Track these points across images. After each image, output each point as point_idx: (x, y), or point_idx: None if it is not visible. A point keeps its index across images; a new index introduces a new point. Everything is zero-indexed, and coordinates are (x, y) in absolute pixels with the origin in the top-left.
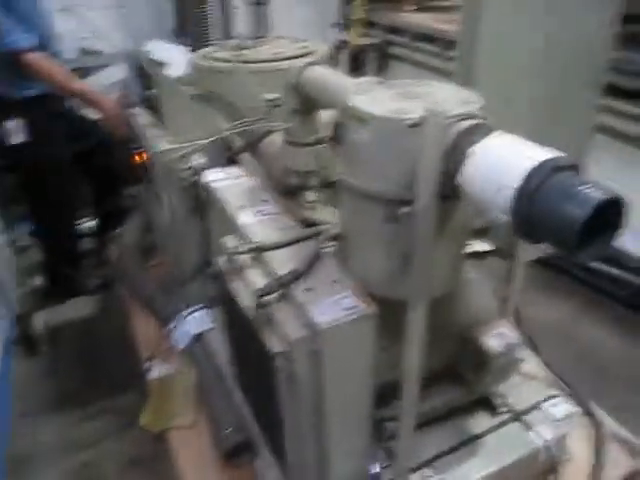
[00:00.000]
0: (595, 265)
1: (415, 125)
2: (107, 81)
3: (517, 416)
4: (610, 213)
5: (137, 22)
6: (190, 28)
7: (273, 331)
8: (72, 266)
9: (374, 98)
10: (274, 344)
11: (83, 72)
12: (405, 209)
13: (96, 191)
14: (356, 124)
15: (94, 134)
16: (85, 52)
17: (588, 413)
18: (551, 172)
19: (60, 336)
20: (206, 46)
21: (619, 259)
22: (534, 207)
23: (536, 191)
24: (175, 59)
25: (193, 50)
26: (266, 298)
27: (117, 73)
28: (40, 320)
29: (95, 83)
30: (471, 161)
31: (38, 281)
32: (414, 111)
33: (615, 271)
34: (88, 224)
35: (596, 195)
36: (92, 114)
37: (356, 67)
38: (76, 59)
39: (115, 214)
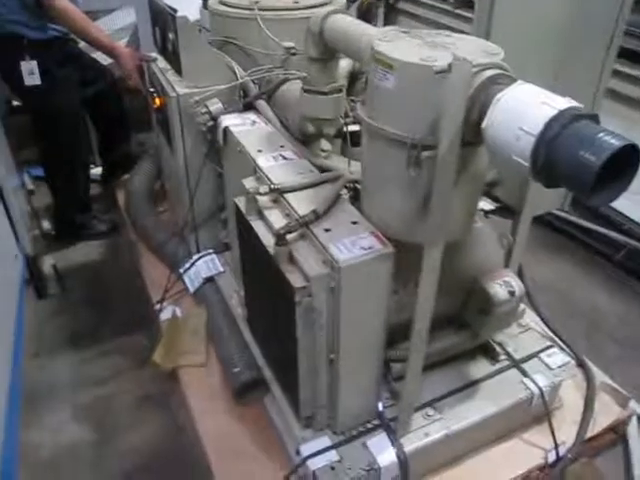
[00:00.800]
0: (592, 226)
1: (442, 72)
2: (116, 25)
3: (515, 364)
4: (625, 161)
5: None
6: None
7: (294, 267)
8: (81, 210)
9: (401, 46)
10: (295, 279)
11: (91, 16)
12: (428, 153)
13: (105, 137)
14: (383, 70)
15: (104, 79)
16: None
17: (581, 364)
18: (571, 120)
19: (70, 279)
20: None
21: (615, 221)
22: (553, 152)
23: (556, 137)
24: (185, 5)
25: None
26: (288, 236)
27: (125, 17)
28: (49, 263)
29: (104, 27)
30: (495, 108)
31: (46, 225)
32: (441, 59)
33: (610, 233)
34: (97, 169)
35: (613, 142)
36: (102, 59)
37: (364, 22)
38: (83, 2)
39: (124, 160)
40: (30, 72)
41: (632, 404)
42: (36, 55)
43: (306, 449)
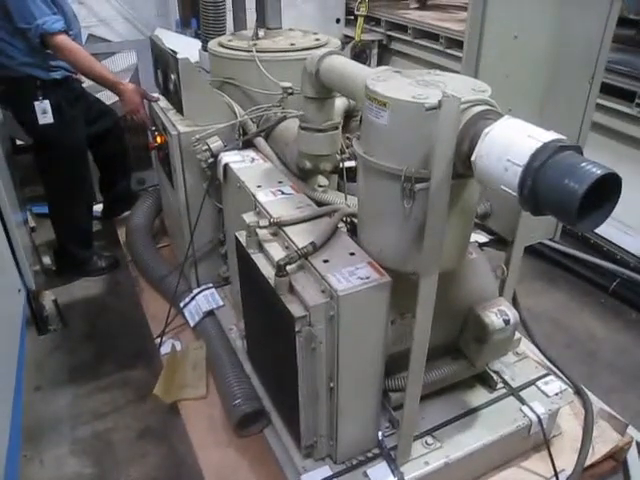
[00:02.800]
0: (586, 257)
1: (433, 108)
2: (117, 67)
3: (512, 392)
4: (607, 189)
5: (142, 13)
6: (204, 19)
7: (294, 297)
8: (83, 246)
9: (394, 85)
10: (295, 309)
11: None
12: (421, 185)
13: (106, 174)
14: (377, 108)
15: (108, 118)
16: (93, 38)
17: (578, 392)
18: (555, 151)
19: (70, 314)
20: (216, 36)
21: (609, 252)
22: (539, 181)
23: (541, 167)
24: (185, 48)
25: (202, 40)
26: (287, 267)
27: (126, 60)
28: (50, 298)
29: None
30: (484, 141)
31: (47, 260)
32: (431, 96)
33: (605, 263)
34: (98, 206)
35: (595, 170)
36: (105, 99)
37: (358, 62)
38: (86, 45)
39: (124, 197)
40: (43, 111)
41: (630, 431)
42: (48, 94)
43: (307, 479)
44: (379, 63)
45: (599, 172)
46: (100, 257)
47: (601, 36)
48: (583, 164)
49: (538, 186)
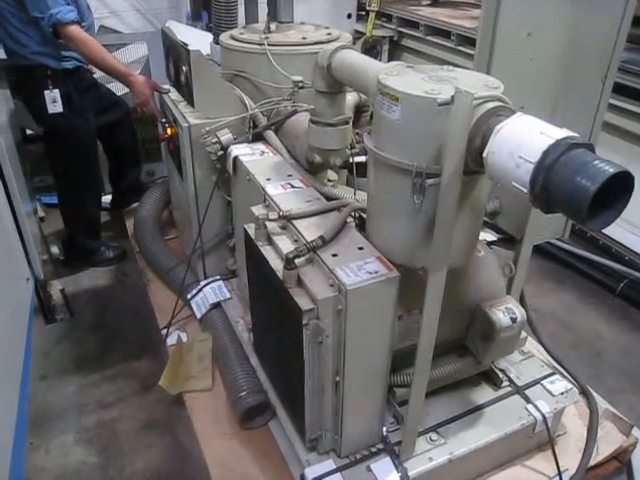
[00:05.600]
0: (594, 258)
1: (445, 104)
2: (128, 59)
3: (517, 390)
4: (619, 188)
5: (153, 5)
6: (216, 12)
7: (302, 291)
8: (92, 237)
9: (406, 80)
10: (303, 302)
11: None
12: (432, 181)
13: (116, 165)
14: (389, 102)
15: (119, 109)
16: (105, 30)
17: (583, 392)
18: (567, 148)
19: (78, 304)
20: (227, 29)
21: (617, 253)
22: (551, 178)
23: (553, 164)
24: (196, 40)
25: (213, 33)
26: (296, 260)
27: (137, 51)
28: (57, 288)
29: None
30: (496, 138)
31: (55, 250)
32: (444, 92)
33: (613, 264)
34: (106, 197)
35: (607, 168)
36: (116, 90)
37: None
38: (97, 36)
39: (133, 188)
40: (53, 100)
41: (635, 432)
42: (59, 84)
43: (311, 472)
44: (390, 59)
45: (612, 170)
46: (108, 248)
47: (615, 35)
48: (595, 162)
49: (549, 183)
